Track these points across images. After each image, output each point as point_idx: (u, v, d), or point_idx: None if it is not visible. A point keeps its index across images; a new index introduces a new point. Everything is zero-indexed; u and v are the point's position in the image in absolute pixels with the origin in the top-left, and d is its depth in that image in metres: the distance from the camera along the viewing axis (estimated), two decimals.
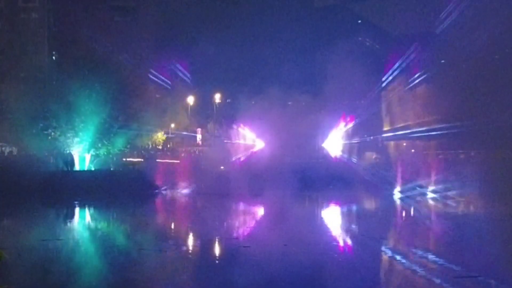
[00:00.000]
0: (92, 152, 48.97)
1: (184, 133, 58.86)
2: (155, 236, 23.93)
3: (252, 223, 29.51)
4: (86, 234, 25.43)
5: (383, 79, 56.31)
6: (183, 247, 21.55)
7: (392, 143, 56.65)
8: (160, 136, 57.03)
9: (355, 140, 55.15)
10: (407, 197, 40.08)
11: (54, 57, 53.64)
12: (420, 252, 19.97)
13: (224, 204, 38.57)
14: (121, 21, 52.59)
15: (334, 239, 23.64)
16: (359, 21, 56.55)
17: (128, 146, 50.95)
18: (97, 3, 52.03)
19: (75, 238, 23.79)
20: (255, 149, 57.27)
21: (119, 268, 17.35)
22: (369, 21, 55.27)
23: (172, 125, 58.12)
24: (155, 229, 26.76)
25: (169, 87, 55.37)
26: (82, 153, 48.73)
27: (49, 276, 16.06)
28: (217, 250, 20.48)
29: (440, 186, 40.83)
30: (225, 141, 56.80)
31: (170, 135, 57.67)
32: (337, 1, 56.46)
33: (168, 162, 50.92)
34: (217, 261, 18.37)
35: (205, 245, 21.24)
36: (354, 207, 37.46)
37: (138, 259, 18.47)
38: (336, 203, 39.87)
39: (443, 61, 52.93)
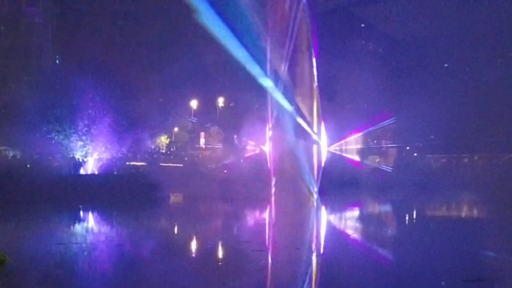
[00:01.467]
0: (95, 156, 49.00)
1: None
2: (165, 240, 23.96)
3: (257, 226, 29.54)
4: (98, 238, 25.41)
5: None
6: (193, 250, 21.54)
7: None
8: (163, 140, 57.09)
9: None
10: None
11: (57, 61, 53.74)
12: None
13: (229, 207, 38.62)
14: (125, 25, 52.67)
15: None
16: (362, 25, 56.66)
17: (132, 150, 51.02)
18: (101, 7, 52.16)
19: (89, 242, 23.76)
20: (255, 153, 57.34)
21: (134, 270, 17.33)
22: (372, 25, 55.41)
23: (176, 129, 58.20)
24: (165, 233, 26.80)
25: (172, 91, 55.37)
26: (85, 157, 48.79)
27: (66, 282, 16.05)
28: (229, 254, 20.35)
29: None
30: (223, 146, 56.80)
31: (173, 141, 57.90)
32: (340, 5, 56.60)
33: (171, 166, 51.11)
34: (229, 265, 18.28)
35: (216, 249, 21.20)
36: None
37: (152, 262, 18.45)
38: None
39: (446, 65, 53.29)
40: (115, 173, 48.80)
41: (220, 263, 18.74)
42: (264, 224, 31.64)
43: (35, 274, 16.57)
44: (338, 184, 46.85)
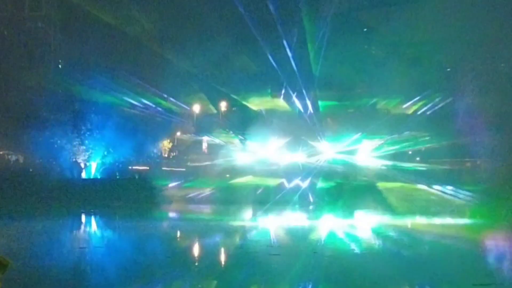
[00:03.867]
0: (98, 160, 49.08)
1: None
2: (178, 244, 23.85)
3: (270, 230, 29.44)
4: (114, 241, 25.31)
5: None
6: (206, 254, 21.36)
7: None
8: (166, 144, 57.09)
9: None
10: None
11: (60, 66, 53.76)
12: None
13: (234, 211, 38.53)
14: (129, 29, 52.63)
15: None
16: (365, 29, 56.54)
17: (134, 154, 51.05)
18: (104, 12, 52.09)
19: (105, 246, 23.66)
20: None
21: (152, 273, 17.24)
22: (374, 29, 55.37)
23: (178, 133, 58.17)
24: (176, 237, 26.68)
25: (175, 94, 55.40)
26: (88, 161, 48.87)
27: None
28: (244, 257, 20.16)
29: None
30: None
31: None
32: (343, 10, 56.46)
33: (174, 170, 51.18)
34: (246, 269, 18.15)
35: (232, 253, 21.05)
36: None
37: (169, 266, 18.37)
38: None
39: (449, 69, 53.33)
40: (117, 177, 48.85)
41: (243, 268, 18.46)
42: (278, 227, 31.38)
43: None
44: None
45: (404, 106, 54.03)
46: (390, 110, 55.02)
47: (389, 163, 51.56)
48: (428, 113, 51.91)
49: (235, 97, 56.56)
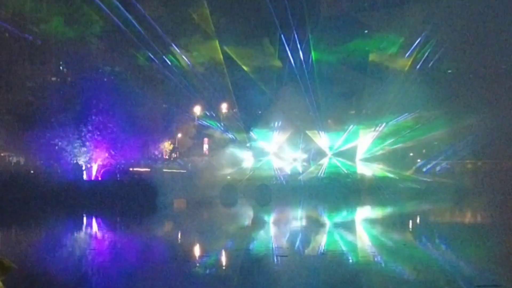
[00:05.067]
0: (99, 161, 49.05)
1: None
2: (184, 246, 23.77)
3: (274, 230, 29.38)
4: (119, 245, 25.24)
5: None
6: (214, 256, 21.24)
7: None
8: (167, 145, 57.17)
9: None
10: None
11: (61, 67, 53.76)
12: None
13: (234, 212, 38.51)
14: (129, 31, 52.58)
15: None
16: (366, 31, 56.79)
17: (135, 156, 51.06)
18: (105, 14, 52.07)
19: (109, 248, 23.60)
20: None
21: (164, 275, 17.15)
22: (375, 31, 55.58)
23: (179, 135, 58.22)
24: (181, 239, 26.60)
25: (176, 95, 55.42)
26: (89, 163, 48.84)
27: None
28: (254, 260, 20.03)
29: None
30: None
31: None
32: (344, 11, 56.65)
33: (175, 172, 51.25)
34: (254, 272, 18.04)
35: (238, 256, 20.97)
36: None
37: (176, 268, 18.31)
38: None
39: (450, 71, 53.54)
40: (118, 179, 48.79)
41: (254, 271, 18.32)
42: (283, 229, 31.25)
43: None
44: None
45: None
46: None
47: None
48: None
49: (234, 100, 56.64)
